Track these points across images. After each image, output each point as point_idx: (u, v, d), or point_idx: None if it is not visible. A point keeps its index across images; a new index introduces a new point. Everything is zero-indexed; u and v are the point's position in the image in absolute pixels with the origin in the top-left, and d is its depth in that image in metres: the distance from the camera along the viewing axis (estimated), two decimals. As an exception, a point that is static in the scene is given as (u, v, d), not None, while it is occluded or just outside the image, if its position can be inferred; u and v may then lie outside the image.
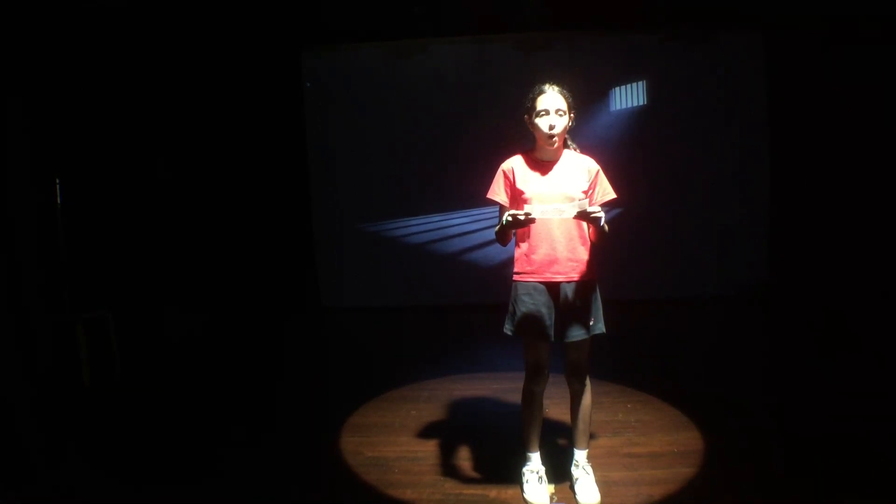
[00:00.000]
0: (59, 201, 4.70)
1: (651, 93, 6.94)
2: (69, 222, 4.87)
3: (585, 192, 2.57)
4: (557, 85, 2.56)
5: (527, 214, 2.38)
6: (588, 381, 2.71)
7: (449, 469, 3.01)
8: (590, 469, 2.72)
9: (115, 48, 5.89)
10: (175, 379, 4.81)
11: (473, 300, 6.93)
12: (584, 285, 2.58)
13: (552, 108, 2.51)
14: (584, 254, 2.58)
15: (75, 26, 5.41)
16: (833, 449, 3.08)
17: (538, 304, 2.56)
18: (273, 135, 7.05)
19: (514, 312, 2.62)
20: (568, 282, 2.57)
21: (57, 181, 4.69)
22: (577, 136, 2.79)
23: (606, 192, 2.64)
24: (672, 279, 6.96)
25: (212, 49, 6.77)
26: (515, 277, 2.64)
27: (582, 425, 2.72)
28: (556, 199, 2.48)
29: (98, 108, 5.73)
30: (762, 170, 6.90)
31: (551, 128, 2.51)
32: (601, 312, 2.64)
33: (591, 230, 2.58)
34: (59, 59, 5.31)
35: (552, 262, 2.56)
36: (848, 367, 4.41)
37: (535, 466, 2.73)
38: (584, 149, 2.74)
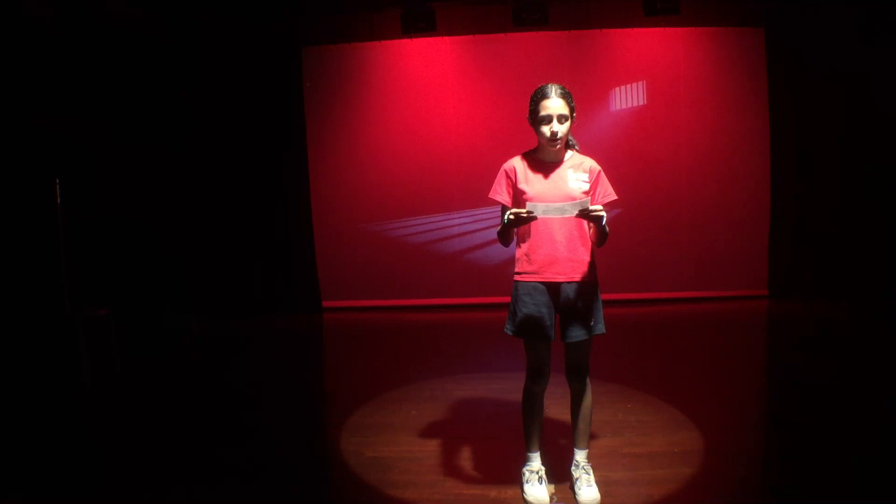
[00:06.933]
0: (59, 201, 4.69)
1: (651, 93, 6.94)
2: (69, 222, 4.86)
3: (586, 193, 2.57)
4: (560, 88, 2.55)
5: (529, 212, 2.39)
6: (588, 382, 2.71)
7: (449, 469, 3.01)
8: (590, 469, 2.72)
9: (115, 48, 5.90)
10: (175, 379, 4.81)
11: (473, 300, 6.96)
12: (585, 286, 2.59)
13: (555, 113, 2.51)
14: (584, 254, 2.59)
15: (76, 26, 5.42)
16: (833, 449, 3.08)
17: (539, 304, 2.56)
18: (273, 135, 7.06)
19: (515, 313, 2.62)
20: (569, 282, 2.57)
21: (57, 181, 4.68)
22: (578, 135, 2.79)
23: (608, 193, 2.64)
24: (673, 279, 6.97)
25: (212, 49, 6.78)
26: (516, 277, 2.64)
27: (582, 425, 2.72)
28: (558, 200, 2.48)
29: (98, 107, 5.73)
30: (763, 169, 6.90)
31: (553, 134, 2.52)
32: (601, 313, 2.64)
33: (591, 230, 2.59)
34: (59, 59, 5.32)
35: (553, 262, 2.56)
36: (848, 367, 4.41)
37: (535, 466, 2.73)
38: (585, 148, 2.75)
